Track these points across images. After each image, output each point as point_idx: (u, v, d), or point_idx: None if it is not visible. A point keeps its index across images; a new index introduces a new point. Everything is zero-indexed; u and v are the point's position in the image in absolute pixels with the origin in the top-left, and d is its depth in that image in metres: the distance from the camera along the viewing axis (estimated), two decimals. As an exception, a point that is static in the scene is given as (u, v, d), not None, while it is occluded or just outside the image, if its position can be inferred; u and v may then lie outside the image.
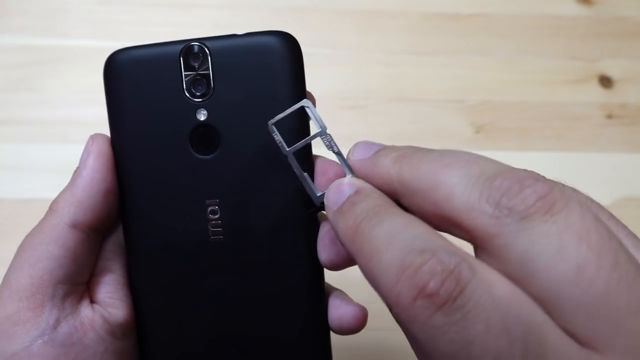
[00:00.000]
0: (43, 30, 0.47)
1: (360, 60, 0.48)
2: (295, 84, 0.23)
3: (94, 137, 0.24)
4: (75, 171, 0.23)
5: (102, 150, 0.23)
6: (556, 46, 0.50)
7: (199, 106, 0.23)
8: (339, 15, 0.50)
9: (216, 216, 0.24)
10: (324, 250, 0.24)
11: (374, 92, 0.47)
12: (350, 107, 0.46)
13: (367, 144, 0.21)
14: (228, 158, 0.23)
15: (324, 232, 0.24)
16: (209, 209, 0.24)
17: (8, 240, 0.40)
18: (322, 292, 0.25)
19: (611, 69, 0.49)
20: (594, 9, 0.51)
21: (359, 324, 0.24)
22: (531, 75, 0.49)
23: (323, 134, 0.21)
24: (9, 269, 0.22)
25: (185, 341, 0.25)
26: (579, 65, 0.49)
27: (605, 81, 0.49)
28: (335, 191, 0.20)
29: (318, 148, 0.23)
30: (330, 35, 0.49)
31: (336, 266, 0.24)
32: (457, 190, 0.16)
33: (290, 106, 0.22)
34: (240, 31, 0.24)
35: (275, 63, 0.23)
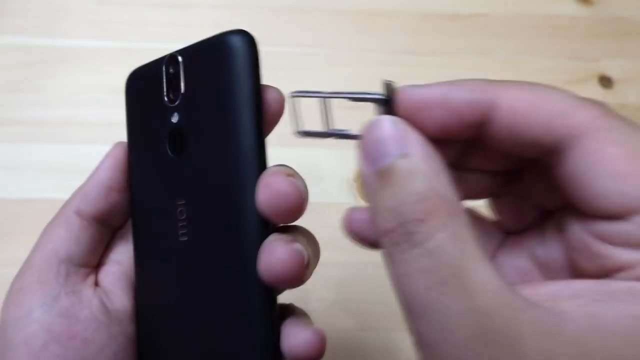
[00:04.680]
0: (43, 30, 0.47)
1: (360, 60, 0.48)
2: (249, 80, 0.22)
3: (115, 144, 0.27)
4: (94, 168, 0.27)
5: (116, 154, 0.26)
6: (556, 46, 0.50)
7: (173, 109, 0.24)
8: (339, 15, 0.50)
9: (183, 217, 0.24)
10: (266, 268, 0.21)
11: (374, 92, 0.47)
12: (351, 107, 0.46)
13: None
14: (192, 159, 0.24)
15: (265, 247, 0.22)
16: (178, 209, 0.24)
17: (8, 240, 0.41)
18: (271, 314, 0.22)
19: (611, 69, 0.49)
20: (593, 9, 0.51)
21: (312, 354, 0.22)
22: (531, 75, 0.49)
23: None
24: (33, 248, 0.26)
25: (160, 338, 0.25)
26: (579, 65, 0.49)
27: (605, 81, 0.49)
28: (376, 142, 0.19)
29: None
30: (330, 35, 0.49)
31: (278, 288, 0.22)
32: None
33: (247, 101, 0.22)
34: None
35: (227, 61, 0.22)
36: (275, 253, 0.21)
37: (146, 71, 0.26)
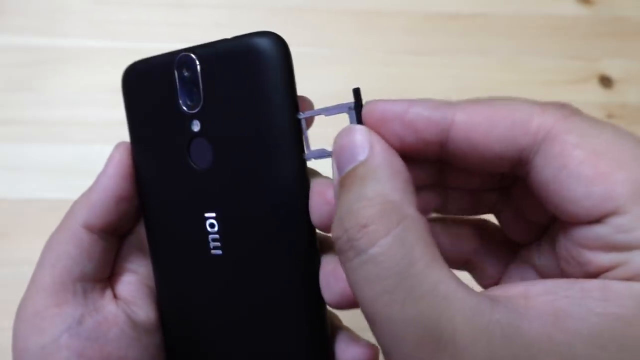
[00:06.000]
0: (43, 30, 0.47)
1: (360, 60, 0.48)
2: (284, 87, 0.21)
3: (118, 145, 0.25)
4: (97, 176, 0.25)
5: (121, 159, 0.24)
6: (556, 46, 0.50)
7: (192, 117, 0.23)
8: (338, 15, 0.50)
9: (215, 229, 0.23)
10: (327, 290, 0.22)
11: (374, 92, 0.47)
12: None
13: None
14: (221, 169, 0.22)
15: (327, 270, 0.22)
16: (208, 222, 0.23)
17: (8, 240, 0.40)
18: (323, 330, 0.22)
19: (611, 69, 0.49)
20: (594, 9, 0.51)
21: None
22: (531, 75, 0.49)
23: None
24: (36, 267, 0.24)
25: (195, 349, 0.25)
26: (579, 65, 0.49)
27: (605, 81, 0.49)
28: (343, 150, 0.19)
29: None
30: (330, 35, 0.49)
31: (341, 307, 0.21)
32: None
33: (281, 111, 0.21)
34: (239, 31, 0.23)
35: (261, 66, 0.21)
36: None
37: (151, 68, 0.24)
